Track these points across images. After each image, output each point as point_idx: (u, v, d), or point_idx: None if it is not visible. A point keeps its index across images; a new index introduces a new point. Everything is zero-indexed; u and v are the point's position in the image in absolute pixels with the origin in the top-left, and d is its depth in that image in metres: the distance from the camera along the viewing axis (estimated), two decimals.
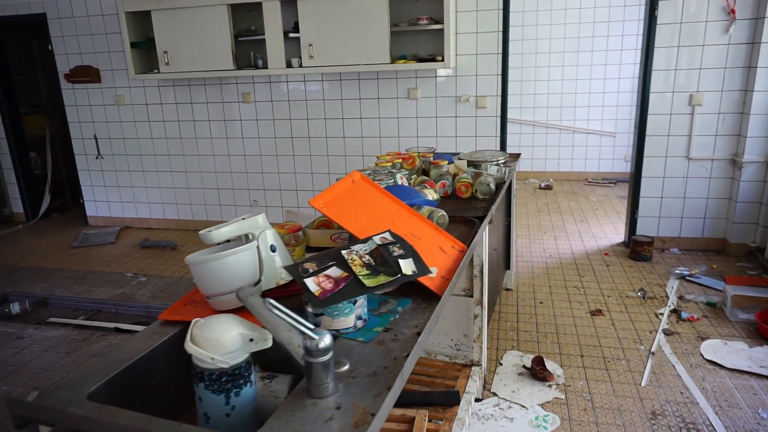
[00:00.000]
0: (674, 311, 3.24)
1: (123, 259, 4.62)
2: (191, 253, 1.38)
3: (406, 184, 2.30)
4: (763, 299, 3.08)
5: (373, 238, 1.34)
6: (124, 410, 1.00)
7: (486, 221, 2.09)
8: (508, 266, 3.67)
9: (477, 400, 2.45)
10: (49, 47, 5.23)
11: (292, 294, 1.47)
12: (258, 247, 1.43)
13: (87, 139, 5.41)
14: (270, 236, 1.47)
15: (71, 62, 5.20)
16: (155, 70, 4.74)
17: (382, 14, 3.99)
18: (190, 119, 5.07)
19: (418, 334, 1.22)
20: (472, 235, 1.86)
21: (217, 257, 1.32)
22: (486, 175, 2.47)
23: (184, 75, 4.59)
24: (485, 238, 2.33)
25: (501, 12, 4.13)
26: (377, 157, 2.72)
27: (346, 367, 1.10)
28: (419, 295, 1.41)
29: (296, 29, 4.26)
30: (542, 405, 2.42)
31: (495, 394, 2.50)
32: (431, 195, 2.20)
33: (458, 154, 3.29)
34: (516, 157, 3.42)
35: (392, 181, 2.24)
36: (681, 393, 2.46)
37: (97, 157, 5.44)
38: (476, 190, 2.42)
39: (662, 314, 3.21)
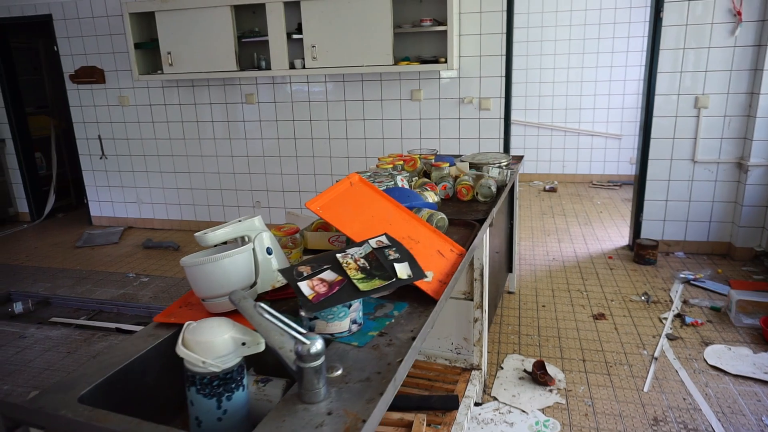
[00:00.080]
0: (678, 316, 3.21)
1: (126, 260, 4.63)
2: (193, 253, 1.37)
3: (406, 186, 2.29)
4: None
5: (369, 241, 1.33)
6: (114, 414, 1.00)
7: (486, 224, 2.07)
8: (510, 269, 3.64)
9: (477, 404, 2.43)
10: (55, 48, 5.26)
11: (288, 297, 1.46)
12: (254, 249, 1.42)
13: (91, 139, 5.44)
14: (266, 238, 1.46)
15: (76, 63, 5.22)
16: (159, 71, 4.76)
17: (385, 16, 3.99)
18: (193, 120, 5.08)
19: (413, 338, 1.21)
20: (472, 238, 1.84)
21: (211, 259, 1.31)
22: (487, 178, 2.46)
23: (188, 76, 4.60)
24: (486, 241, 2.31)
25: (505, 14, 4.12)
26: (378, 159, 2.71)
27: (339, 372, 1.09)
28: (416, 299, 1.40)
29: (299, 30, 4.26)
30: (543, 410, 2.39)
31: (495, 399, 2.48)
32: (431, 197, 2.19)
33: (461, 156, 3.28)
34: (519, 159, 3.40)
35: (392, 183, 2.22)
36: (684, 399, 2.44)
37: (101, 158, 5.46)
38: (477, 193, 2.41)
39: (666, 319, 3.18)
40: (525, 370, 2.69)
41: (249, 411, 1.17)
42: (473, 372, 2.41)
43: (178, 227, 5.45)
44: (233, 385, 1.09)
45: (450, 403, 2.08)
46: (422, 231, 1.68)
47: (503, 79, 4.25)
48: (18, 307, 3.60)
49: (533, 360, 2.73)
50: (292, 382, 1.23)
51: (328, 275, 1.21)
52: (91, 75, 5.17)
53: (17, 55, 5.95)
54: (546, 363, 2.69)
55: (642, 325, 3.13)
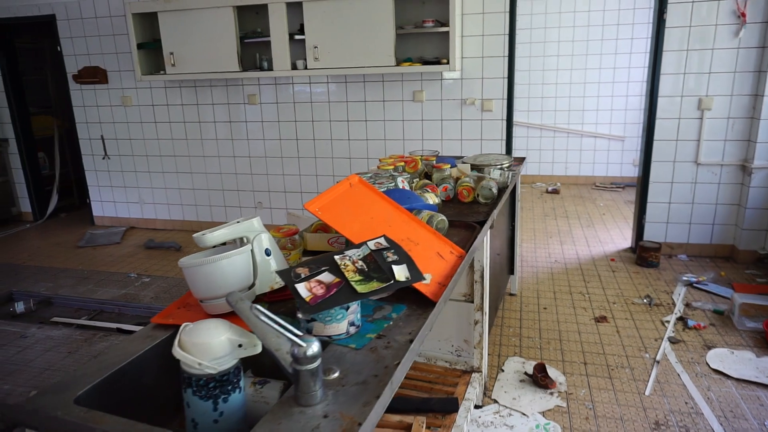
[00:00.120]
0: (680, 319, 3.19)
1: (127, 260, 4.63)
2: (192, 254, 1.37)
3: (407, 187, 2.28)
4: None
5: (367, 243, 1.32)
6: (109, 415, 0.99)
7: (487, 226, 2.06)
8: (512, 271, 3.63)
9: (477, 406, 2.42)
10: (58, 48, 5.28)
11: (287, 298, 1.45)
12: (252, 250, 1.42)
13: (94, 139, 5.45)
14: (265, 240, 1.46)
15: (79, 63, 5.24)
16: (161, 72, 4.76)
17: (387, 16, 3.98)
18: (195, 120, 5.09)
19: (411, 341, 1.20)
20: (472, 240, 1.83)
21: (209, 261, 1.30)
22: (488, 179, 2.45)
23: (190, 76, 4.60)
24: (486, 243, 2.30)
25: (507, 15, 4.11)
26: (380, 160, 2.70)
27: (336, 375, 1.08)
28: (415, 301, 1.39)
29: (302, 31, 4.25)
30: (543, 413, 2.38)
31: (495, 401, 2.47)
32: (432, 199, 2.18)
33: (462, 157, 3.27)
34: (521, 160, 3.38)
35: (393, 184, 2.22)
36: (686, 403, 2.42)
37: (103, 158, 5.48)
38: (478, 195, 2.40)
39: (668, 322, 3.16)
40: (526, 373, 2.67)
41: (246, 413, 1.16)
42: (473, 374, 2.40)
43: (180, 227, 5.45)
44: (229, 387, 1.08)
45: (449, 406, 2.07)
46: (422, 233, 1.68)
47: (505, 80, 4.24)
48: (20, 307, 3.61)
49: (534, 362, 2.72)
50: (289, 384, 1.22)
51: (326, 277, 1.20)
52: (94, 75, 5.18)
53: (21, 55, 5.97)
54: (547, 366, 2.68)
55: (644, 328, 3.11)
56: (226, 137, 5.06)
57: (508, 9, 4.10)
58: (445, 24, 4.03)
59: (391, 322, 1.29)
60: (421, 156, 2.95)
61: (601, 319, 3.23)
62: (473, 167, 2.78)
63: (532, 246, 4.59)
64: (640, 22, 6.27)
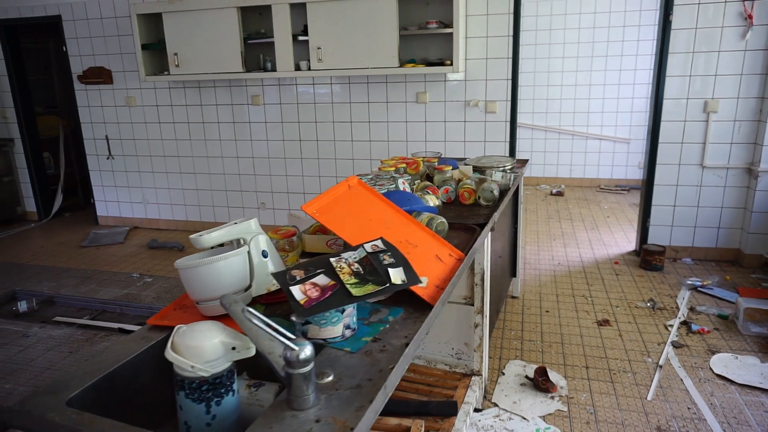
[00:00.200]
0: (684, 323, 3.16)
1: (130, 260, 4.64)
2: (188, 255, 1.36)
3: (407, 189, 2.27)
4: None
5: (364, 245, 1.31)
6: (101, 418, 0.99)
7: (487, 229, 2.05)
8: (514, 274, 3.61)
9: (477, 410, 2.40)
10: (64, 49, 5.30)
11: (283, 301, 1.44)
12: (249, 252, 1.41)
13: (98, 139, 5.47)
14: (262, 241, 1.45)
15: (84, 63, 5.26)
16: (165, 72, 4.78)
17: (391, 17, 3.97)
18: (199, 121, 5.10)
19: (407, 345, 1.19)
20: (472, 242, 1.82)
21: (205, 262, 1.30)
22: (490, 182, 2.43)
23: (194, 77, 4.61)
24: (487, 245, 2.29)
25: (512, 16, 4.09)
26: (381, 162, 2.70)
27: (330, 378, 1.07)
28: (412, 304, 1.38)
29: (305, 32, 4.26)
30: (544, 417, 2.36)
31: (496, 405, 2.45)
32: (432, 201, 2.17)
33: (465, 159, 3.25)
34: (523, 162, 3.37)
35: (393, 186, 2.21)
36: (688, 408, 2.39)
37: (108, 158, 5.50)
38: (479, 197, 2.38)
39: (672, 326, 3.13)
40: (527, 376, 2.65)
41: (240, 416, 1.15)
42: (473, 378, 2.39)
43: (183, 228, 5.47)
44: (222, 390, 1.07)
45: (448, 409, 2.05)
46: (421, 235, 1.66)
47: (509, 82, 4.22)
48: (22, 306, 3.62)
49: (535, 366, 2.70)
50: (284, 387, 1.21)
51: (321, 280, 1.19)
52: (99, 75, 5.21)
53: (28, 56, 6.00)
54: (548, 369, 2.66)
55: (647, 332, 3.09)
56: (229, 138, 5.07)
57: (512, 11, 4.08)
58: (449, 25, 4.02)
59: (388, 325, 1.28)
60: (423, 158, 2.94)
61: (603, 323, 3.21)
62: (475, 169, 2.77)
63: (536, 248, 4.57)
64: (647, 24, 6.24)
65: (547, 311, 3.39)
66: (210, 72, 4.53)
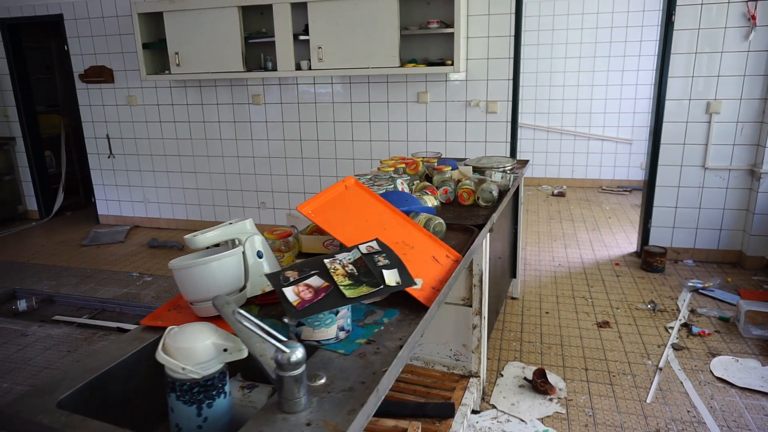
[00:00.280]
0: (685, 325, 3.14)
1: (130, 259, 4.64)
2: (182, 256, 1.36)
3: (406, 189, 2.26)
4: None
5: (359, 246, 1.30)
6: (90, 420, 0.98)
7: (486, 230, 2.04)
8: (514, 275, 3.60)
9: (475, 412, 2.39)
10: (65, 47, 5.31)
11: (278, 302, 1.43)
12: (244, 252, 1.40)
13: (100, 138, 5.48)
14: (257, 242, 1.44)
15: (86, 62, 5.26)
16: (167, 71, 4.78)
17: (392, 17, 3.96)
18: (200, 120, 5.09)
19: (401, 347, 1.18)
20: (469, 244, 1.81)
21: (199, 263, 1.29)
22: (489, 182, 2.42)
23: (195, 76, 4.61)
24: (486, 246, 2.28)
25: (513, 16, 4.07)
26: (380, 162, 2.69)
27: (323, 381, 1.06)
28: (407, 306, 1.37)
29: (306, 32, 4.25)
30: (542, 419, 2.35)
31: (494, 407, 2.44)
32: (431, 202, 2.16)
33: (465, 159, 3.24)
34: (524, 163, 3.35)
35: (392, 186, 2.20)
36: (688, 411, 2.38)
37: (109, 157, 5.50)
38: (478, 198, 2.37)
39: (672, 328, 3.11)
40: (525, 378, 2.64)
41: (233, 418, 1.14)
42: (471, 379, 2.38)
43: (184, 227, 5.46)
44: (214, 392, 1.07)
45: (446, 411, 2.04)
46: (417, 236, 1.65)
47: (511, 82, 4.21)
48: (22, 305, 3.63)
49: (534, 368, 2.69)
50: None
51: (315, 281, 1.18)
52: (100, 74, 5.21)
53: (29, 55, 6.01)
54: (547, 371, 2.64)
55: (647, 334, 3.07)
56: (230, 137, 5.06)
57: (513, 10, 4.06)
58: (450, 25, 4.00)
59: (382, 327, 1.27)
60: (423, 158, 2.92)
61: (603, 325, 3.19)
62: (475, 170, 2.75)
63: (536, 249, 4.55)
64: (649, 25, 6.21)
65: (546, 312, 3.38)
66: (211, 71, 4.53)
